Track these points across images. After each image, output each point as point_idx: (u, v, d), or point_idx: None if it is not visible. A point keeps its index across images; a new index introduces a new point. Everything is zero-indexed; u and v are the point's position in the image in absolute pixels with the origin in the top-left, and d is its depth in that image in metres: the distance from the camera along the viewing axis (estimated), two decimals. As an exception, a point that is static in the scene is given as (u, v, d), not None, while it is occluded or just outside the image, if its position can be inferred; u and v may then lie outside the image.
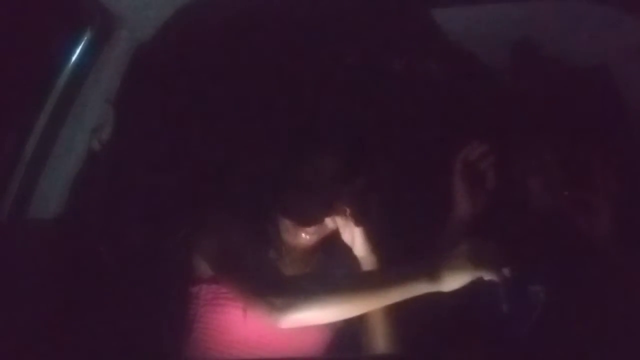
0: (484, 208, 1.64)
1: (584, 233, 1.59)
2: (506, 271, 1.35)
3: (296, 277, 1.55)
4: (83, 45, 1.69)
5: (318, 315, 1.39)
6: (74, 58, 1.68)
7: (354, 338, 1.61)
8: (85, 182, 1.69)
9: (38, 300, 1.58)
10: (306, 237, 1.59)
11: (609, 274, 1.53)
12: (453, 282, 1.34)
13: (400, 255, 1.54)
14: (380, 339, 1.56)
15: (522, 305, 1.60)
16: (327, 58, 1.97)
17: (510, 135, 1.73)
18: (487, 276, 1.34)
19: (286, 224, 1.60)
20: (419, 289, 1.36)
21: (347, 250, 1.58)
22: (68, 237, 1.66)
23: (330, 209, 1.55)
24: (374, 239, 1.54)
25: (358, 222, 1.52)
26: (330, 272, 1.61)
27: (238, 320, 1.53)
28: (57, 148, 1.67)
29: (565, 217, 1.62)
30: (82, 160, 1.70)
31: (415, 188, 1.88)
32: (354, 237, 1.55)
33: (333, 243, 1.61)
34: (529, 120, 1.76)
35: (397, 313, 1.53)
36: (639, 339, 1.38)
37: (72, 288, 1.60)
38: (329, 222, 1.58)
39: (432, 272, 1.35)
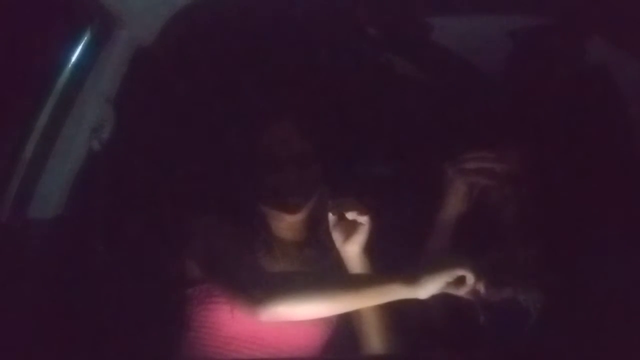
0: (472, 210, 1.65)
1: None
2: (480, 287, 1.40)
3: (276, 273, 1.59)
4: (83, 45, 1.70)
5: (295, 311, 1.42)
6: (74, 58, 1.68)
7: (349, 334, 1.62)
8: (85, 182, 1.70)
9: (38, 300, 1.58)
10: (294, 224, 1.64)
11: (599, 278, 1.52)
12: (428, 288, 1.38)
13: (389, 254, 1.57)
14: (376, 339, 1.58)
15: (515, 313, 1.60)
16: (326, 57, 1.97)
17: (505, 137, 1.72)
18: (461, 292, 1.40)
19: (273, 213, 1.64)
20: (395, 292, 1.39)
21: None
22: (68, 237, 1.66)
23: (308, 193, 1.60)
24: (370, 238, 1.56)
25: (364, 211, 1.53)
26: (311, 271, 1.65)
27: (230, 317, 1.56)
28: (57, 148, 1.67)
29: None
30: (82, 160, 1.70)
31: (402, 189, 1.90)
32: (349, 237, 1.55)
33: (323, 238, 1.63)
34: (526, 122, 1.76)
35: (394, 314, 1.54)
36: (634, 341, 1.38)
37: (72, 288, 1.60)
38: (316, 215, 1.63)
39: (409, 277, 1.38)
